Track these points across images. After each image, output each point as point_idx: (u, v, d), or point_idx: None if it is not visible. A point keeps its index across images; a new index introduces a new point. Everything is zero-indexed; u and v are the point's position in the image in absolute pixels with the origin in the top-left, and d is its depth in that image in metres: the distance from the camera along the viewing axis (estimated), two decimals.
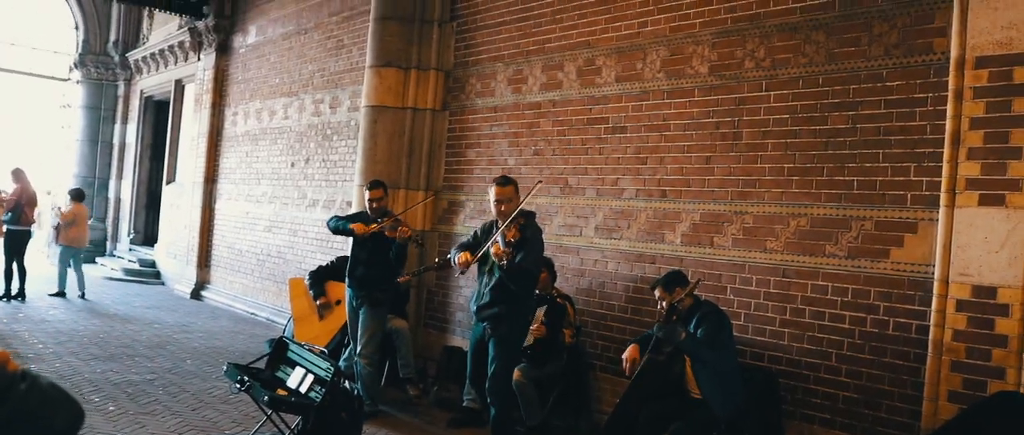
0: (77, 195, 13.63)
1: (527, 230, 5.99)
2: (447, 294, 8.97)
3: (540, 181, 7.19)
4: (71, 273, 13.21)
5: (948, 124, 4.96)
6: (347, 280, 7.32)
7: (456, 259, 6.09)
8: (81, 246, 13.51)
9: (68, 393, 2.02)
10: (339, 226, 7.28)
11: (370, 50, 9.37)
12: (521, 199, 6.12)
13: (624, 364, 5.73)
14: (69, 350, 8.93)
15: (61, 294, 13.01)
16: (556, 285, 7.21)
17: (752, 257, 6.16)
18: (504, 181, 6.11)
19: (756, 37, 6.25)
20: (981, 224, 4.79)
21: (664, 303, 5.62)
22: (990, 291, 4.75)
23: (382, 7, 9.27)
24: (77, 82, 19.76)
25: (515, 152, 8.21)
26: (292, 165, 12.18)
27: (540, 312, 6.69)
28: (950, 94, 4.96)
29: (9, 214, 12.24)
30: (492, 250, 5.90)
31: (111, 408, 6.76)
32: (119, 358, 8.73)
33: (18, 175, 12.71)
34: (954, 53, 4.95)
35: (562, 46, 7.81)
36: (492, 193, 6.10)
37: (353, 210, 9.25)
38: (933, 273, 5.03)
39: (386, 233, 6.92)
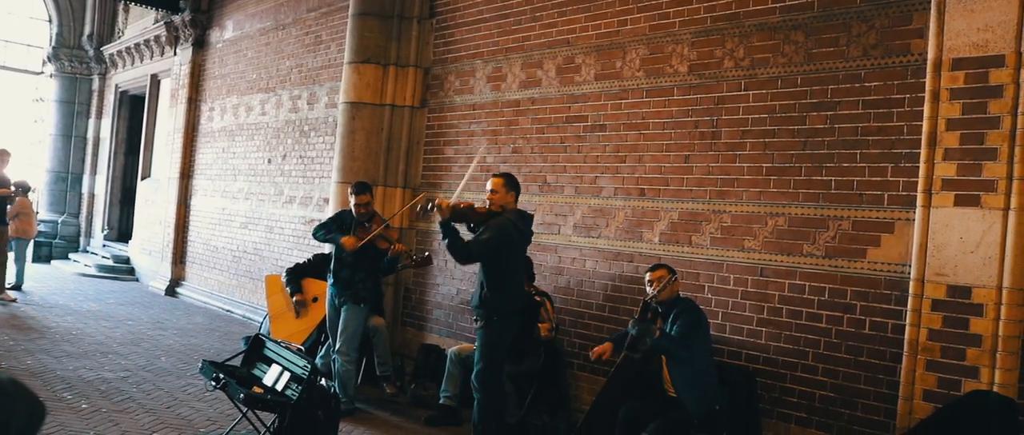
0: (23, 189, 13.62)
1: (492, 219, 6.07)
2: (425, 292, 8.94)
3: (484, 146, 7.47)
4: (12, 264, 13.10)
5: (925, 125, 4.99)
6: (331, 280, 7.28)
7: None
8: (28, 237, 13.53)
9: (29, 389, 1.97)
10: (328, 239, 7.27)
11: (348, 46, 9.32)
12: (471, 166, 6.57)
13: (592, 353, 5.79)
14: (41, 347, 8.82)
15: (18, 287, 12.96)
16: (534, 284, 7.20)
17: (730, 256, 6.18)
18: (497, 175, 6.34)
19: (735, 37, 6.27)
20: (957, 224, 4.82)
21: (652, 287, 5.65)
22: (965, 291, 4.78)
23: (361, 3, 9.22)
24: (50, 76, 19.52)
25: (494, 149, 8.20)
26: (269, 161, 12.10)
27: None
28: (927, 95, 4.99)
29: None
30: (439, 201, 6.07)
31: (84, 406, 6.68)
32: (92, 355, 8.63)
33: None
34: (931, 54, 4.99)
35: (541, 44, 7.80)
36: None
37: (331, 208, 9.20)
38: (909, 273, 5.07)
39: (378, 244, 6.92)
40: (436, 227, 8.64)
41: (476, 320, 6.17)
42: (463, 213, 6.13)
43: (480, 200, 6.42)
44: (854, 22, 5.60)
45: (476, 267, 6.32)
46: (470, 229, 6.27)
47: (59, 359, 8.30)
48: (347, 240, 7.02)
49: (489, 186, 6.23)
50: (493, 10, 8.36)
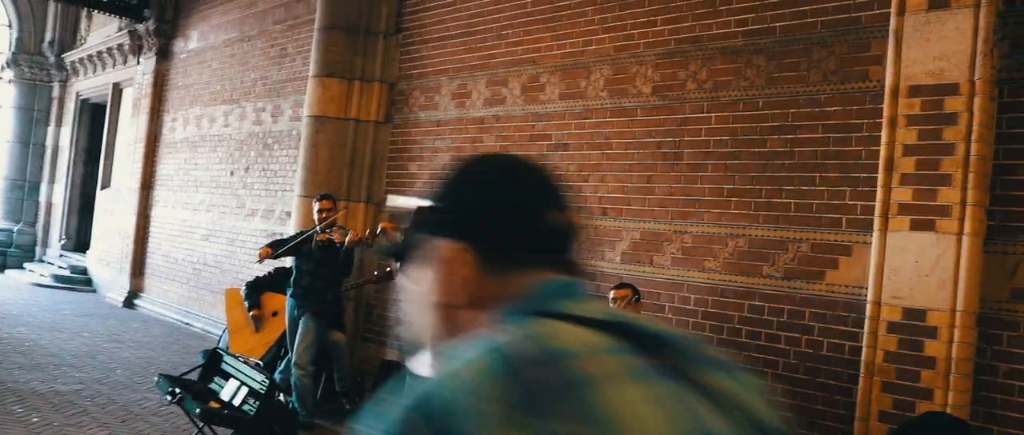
0: None
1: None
2: (386, 308, 8.89)
3: None
4: None
5: (882, 150, 5.07)
6: (291, 291, 7.26)
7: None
8: None
9: None
10: (289, 246, 7.31)
11: (314, 59, 9.29)
12: None
13: None
14: None
15: None
16: None
17: (691, 276, 6.22)
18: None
19: (698, 59, 6.34)
20: (912, 248, 4.90)
21: (614, 305, 5.67)
22: (920, 314, 4.86)
23: (327, 17, 9.20)
24: (9, 82, 19.21)
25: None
26: (231, 174, 11.99)
27: None
28: (884, 121, 5.08)
29: None
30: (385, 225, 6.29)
31: (35, 419, 6.56)
32: (45, 367, 8.47)
33: None
34: (889, 81, 5.07)
35: (507, 62, 7.83)
36: None
37: (293, 221, 9.16)
38: (866, 295, 5.14)
39: (335, 238, 7.07)
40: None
41: None
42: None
43: None
44: (815, 48, 5.69)
45: None
46: None
47: (10, 371, 8.13)
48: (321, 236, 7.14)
49: None
50: (459, 27, 8.38)
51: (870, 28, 5.41)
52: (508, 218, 1.14)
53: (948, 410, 4.74)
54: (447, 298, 1.13)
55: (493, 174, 1.19)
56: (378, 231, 6.09)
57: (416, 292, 1.18)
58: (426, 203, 1.18)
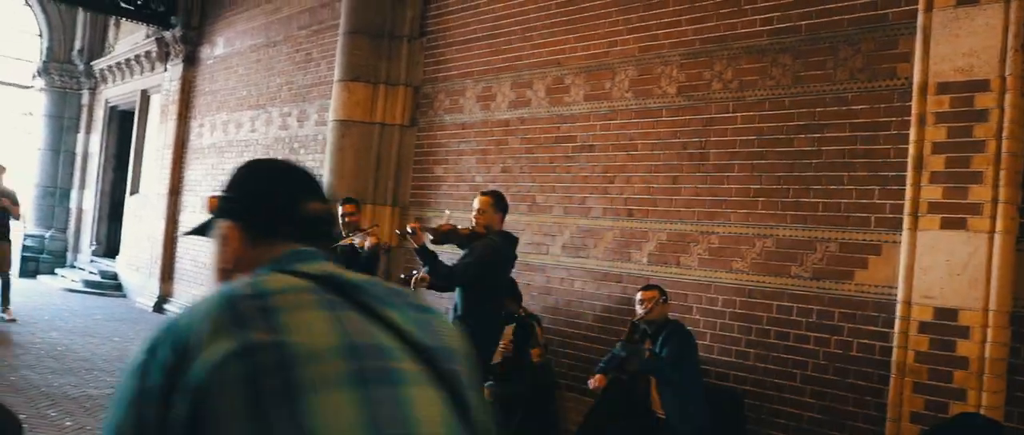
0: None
1: (477, 241, 6.00)
2: None
3: None
4: None
5: (911, 148, 5.02)
6: None
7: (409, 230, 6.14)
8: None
9: (5, 406, 2.02)
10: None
11: (339, 64, 9.34)
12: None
13: (591, 384, 5.78)
14: (25, 363, 8.76)
15: None
16: (522, 305, 7.18)
17: (718, 277, 6.19)
18: (485, 192, 6.30)
19: (724, 59, 6.30)
20: (943, 247, 4.84)
21: (642, 307, 5.67)
22: (952, 313, 4.80)
23: (351, 21, 9.24)
24: (40, 90, 19.44)
25: (483, 169, 8.21)
26: None
27: (508, 330, 6.68)
28: (913, 119, 5.02)
29: None
30: (413, 225, 6.12)
31: (68, 423, 6.63)
32: (77, 372, 8.57)
33: None
34: (917, 78, 5.02)
35: (531, 64, 7.82)
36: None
37: None
38: (896, 295, 5.08)
39: (356, 244, 7.12)
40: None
41: None
42: (445, 237, 6.08)
43: (466, 221, 6.40)
44: (841, 45, 5.64)
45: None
46: (460, 246, 6.24)
47: (43, 375, 8.24)
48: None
49: (476, 204, 6.13)
50: (483, 30, 8.39)
51: (897, 25, 5.36)
52: (268, 205, 1.57)
53: (981, 411, 4.68)
54: (222, 264, 1.59)
55: (261, 173, 1.65)
56: (408, 231, 6.01)
57: (210, 260, 1.62)
58: (217, 194, 1.62)
